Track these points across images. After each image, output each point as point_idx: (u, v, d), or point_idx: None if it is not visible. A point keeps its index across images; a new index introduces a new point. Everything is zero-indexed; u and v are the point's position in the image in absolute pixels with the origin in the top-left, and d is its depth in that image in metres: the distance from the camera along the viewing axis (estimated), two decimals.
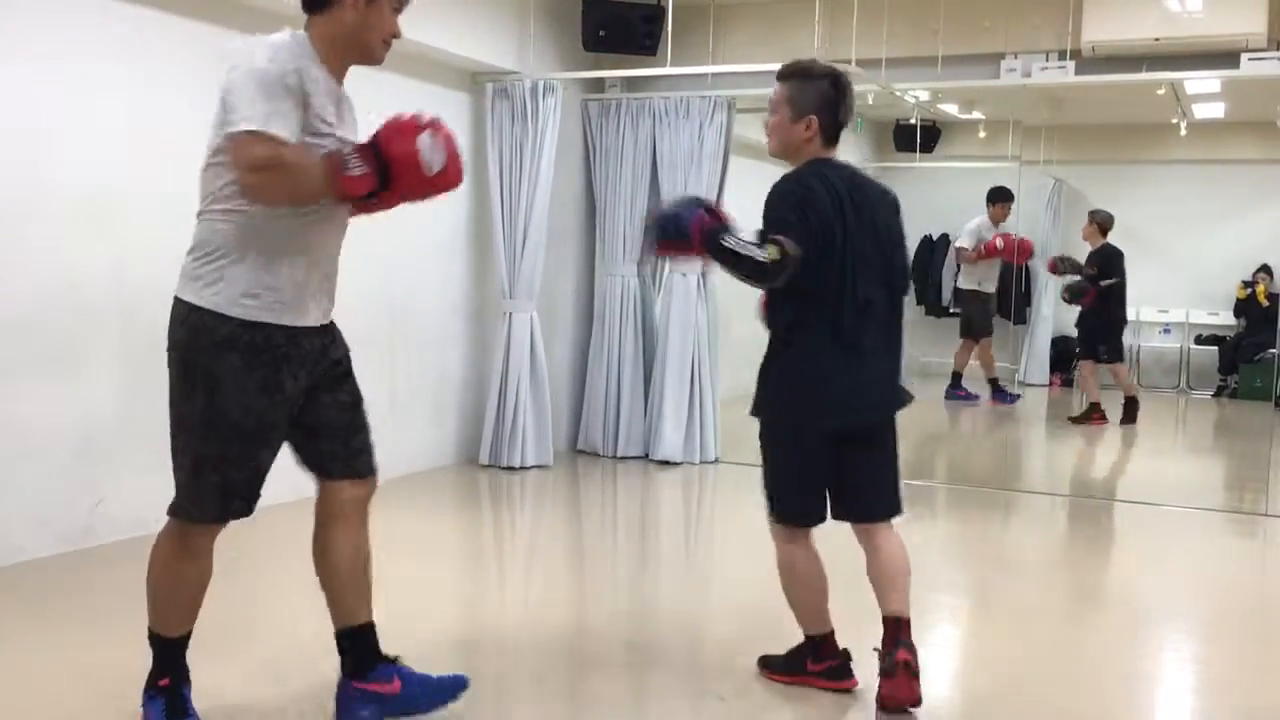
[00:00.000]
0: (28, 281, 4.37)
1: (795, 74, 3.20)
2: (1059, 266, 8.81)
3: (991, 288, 8.81)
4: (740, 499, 6.35)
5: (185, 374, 2.68)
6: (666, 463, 6.88)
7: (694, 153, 6.84)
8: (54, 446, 4.50)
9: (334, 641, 2.94)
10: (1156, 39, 6.11)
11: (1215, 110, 8.35)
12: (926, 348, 10.19)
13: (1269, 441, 7.70)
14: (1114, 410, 8.45)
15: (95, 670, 3.35)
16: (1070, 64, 6.33)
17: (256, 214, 2.58)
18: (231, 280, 2.61)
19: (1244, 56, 5.97)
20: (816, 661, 3.28)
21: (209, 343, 2.62)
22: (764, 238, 3.02)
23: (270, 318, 2.65)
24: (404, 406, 6.25)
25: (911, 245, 10.87)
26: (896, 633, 3.09)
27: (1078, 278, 8.58)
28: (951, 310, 10.05)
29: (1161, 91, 6.86)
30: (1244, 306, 9.23)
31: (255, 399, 2.66)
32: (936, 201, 10.04)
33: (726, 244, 2.96)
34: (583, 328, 7.37)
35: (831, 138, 3.19)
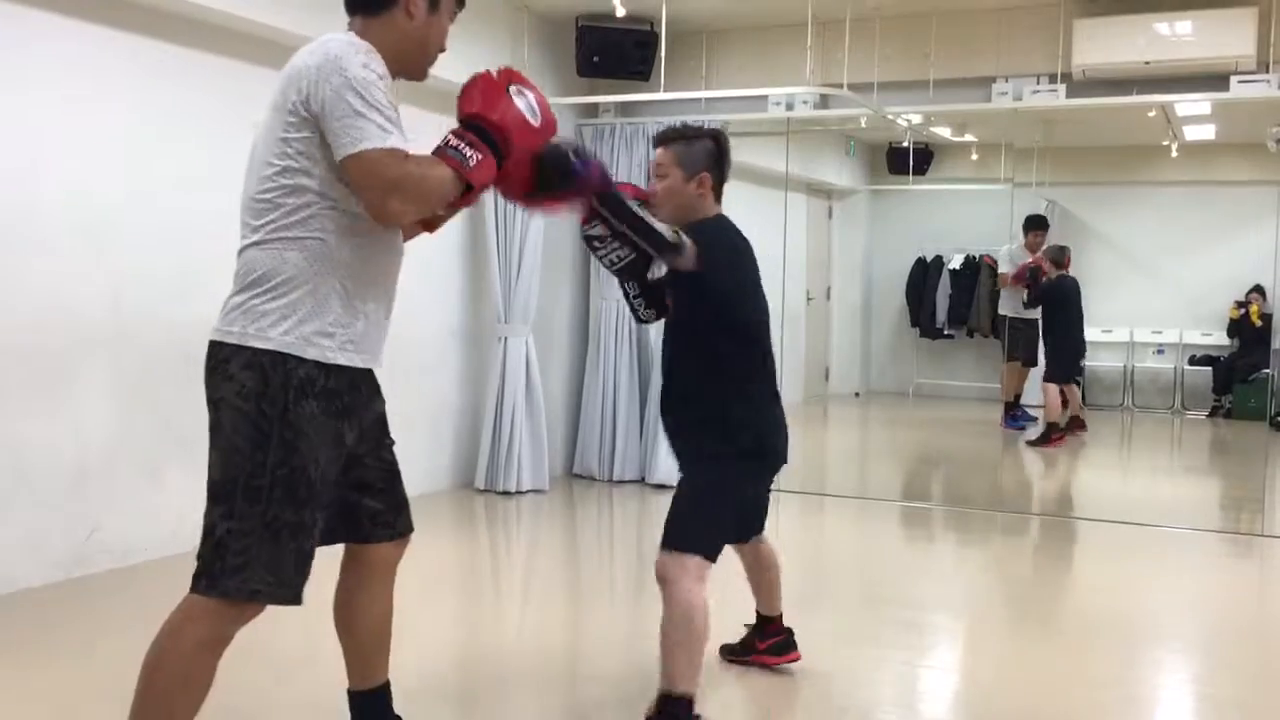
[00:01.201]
0: (22, 307, 4.37)
1: (676, 137, 3.22)
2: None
3: (1036, 314, 8.79)
4: None
5: (257, 426, 2.28)
6: (663, 486, 6.86)
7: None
8: (48, 474, 4.48)
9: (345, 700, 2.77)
10: (1147, 62, 6.15)
11: (1206, 132, 8.40)
12: (922, 369, 10.23)
13: (1264, 461, 7.71)
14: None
15: (88, 700, 3.33)
16: (1061, 87, 6.37)
17: (333, 240, 2.32)
18: (305, 317, 2.32)
19: (1233, 79, 6.02)
20: None
21: (281, 387, 2.28)
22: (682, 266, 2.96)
23: (344, 359, 2.37)
24: (399, 431, 6.20)
25: (905, 267, 11.02)
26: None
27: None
28: (946, 332, 10.08)
29: (1152, 114, 6.91)
30: (1237, 327, 9.27)
31: (330, 453, 2.36)
32: (930, 223, 10.10)
33: (630, 203, 2.82)
34: (578, 352, 7.37)
35: (719, 194, 3.24)
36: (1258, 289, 9.10)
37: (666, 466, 6.88)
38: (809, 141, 8.61)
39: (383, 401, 2.66)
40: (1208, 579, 5.34)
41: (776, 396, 3.26)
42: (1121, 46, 6.21)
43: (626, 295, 3.26)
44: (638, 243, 2.89)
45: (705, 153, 3.20)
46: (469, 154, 2.27)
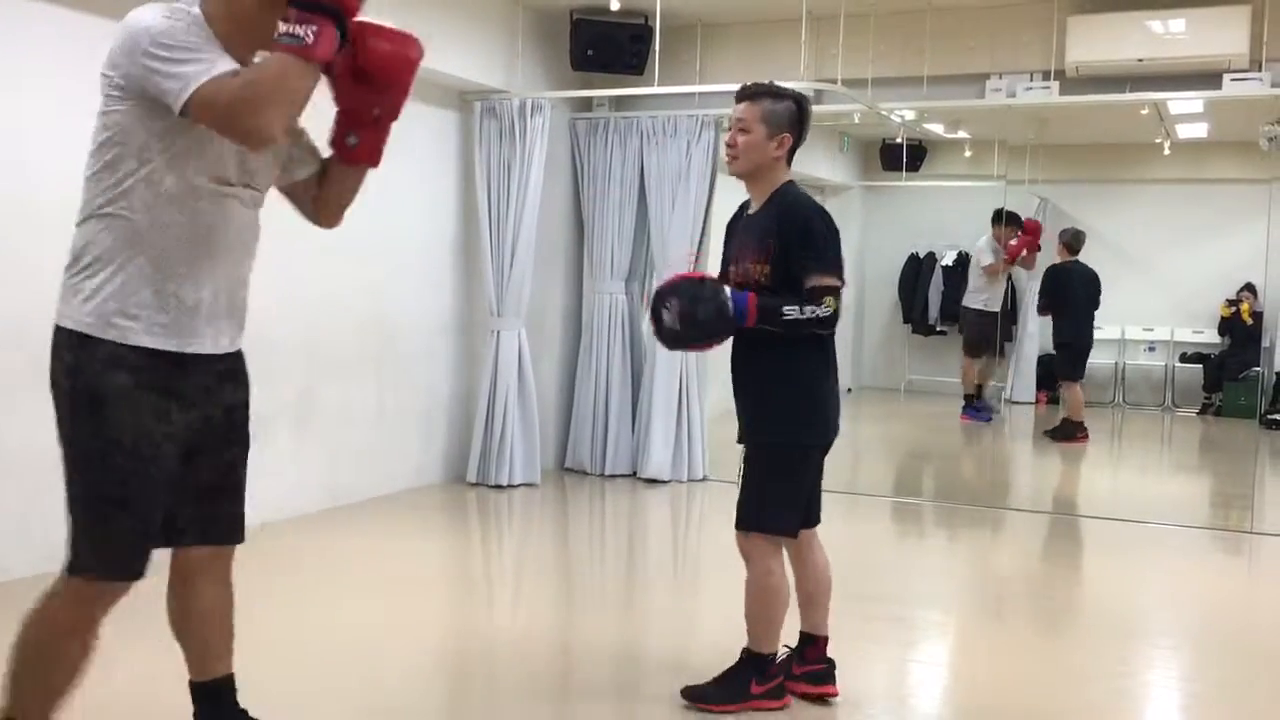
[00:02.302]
0: (10, 298, 4.35)
1: (765, 93, 3.23)
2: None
3: (996, 306, 8.84)
4: (728, 517, 6.34)
5: (70, 402, 2.29)
6: (655, 481, 6.87)
7: (681, 171, 6.86)
8: (35, 464, 4.46)
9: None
10: (1140, 60, 6.16)
11: (1198, 130, 8.42)
12: (914, 365, 10.24)
13: (1253, 459, 7.73)
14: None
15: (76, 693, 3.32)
16: (1055, 84, 6.38)
17: (142, 220, 2.25)
18: (107, 296, 2.26)
19: (1226, 77, 6.03)
20: (762, 681, 3.27)
21: (87, 361, 2.26)
22: (809, 273, 3.09)
23: (150, 342, 2.28)
24: (391, 424, 6.24)
25: (897, 263, 11.01)
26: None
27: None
28: (938, 328, 10.11)
29: (1145, 111, 6.92)
30: (1228, 324, 9.28)
31: (151, 425, 2.28)
32: (922, 220, 10.09)
33: (788, 316, 3.05)
34: (571, 345, 7.37)
35: (790, 158, 3.27)
36: (1249, 287, 9.11)
37: (658, 460, 6.89)
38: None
39: (243, 395, 2.52)
40: (1197, 575, 5.36)
41: (833, 368, 3.28)
42: (1115, 44, 6.22)
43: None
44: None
45: (789, 114, 3.20)
46: (300, 32, 2.08)
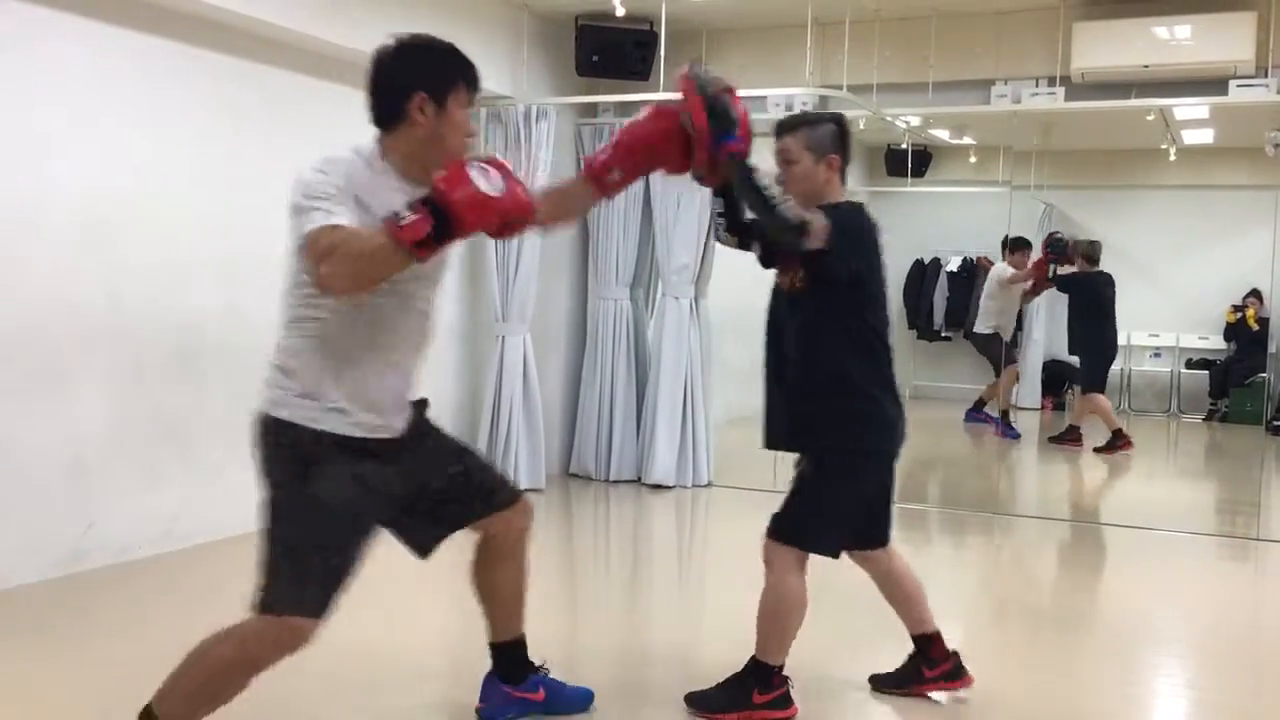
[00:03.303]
0: (20, 302, 4.37)
1: (801, 123, 3.27)
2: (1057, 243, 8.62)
3: (1007, 333, 8.72)
4: (734, 523, 6.35)
5: (281, 480, 2.61)
6: (659, 486, 6.87)
7: (686, 177, 6.85)
8: (44, 470, 4.48)
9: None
10: (1145, 66, 6.16)
11: (1204, 136, 8.41)
12: (919, 371, 10.22)
13: (1259, 465, 7.72)
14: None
15: (85, 695, 3.33)
16: (1060, 90, 6.37)
17: (331, 322, 2.56)
18: (315, 396, 2.58)
19: (1232, 83, 6.03)
20: (765, 691, 3.27)
21: (290, 456, 2.59)
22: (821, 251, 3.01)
23: (356, 433, 2.61)
24: None
25: (903, 269, 10.98)
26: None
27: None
28: (943, 334, 10.09)
29: (1151, 117, 6.92)
30: (1234, 330, 9.27)
31: (351, 490, 2.62)
32: (928, 226, 10.08)
33: (758, 180, 2.89)
34: (575, 351, 7.37)
35: (844, 177, 3.26)
36: (1255, 293, 9.10)
37: (663, 466, 6.88)
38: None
39: (433, 435, 2.91)
40: (1203, 582, 5.34)
41: (893, 379, 3.26)
42: (1120, 50, 6.22)
43: (711, 212, 3.28)
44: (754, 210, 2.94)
45: (830, 135, 3.22)
46: (404, 215, 2.35)
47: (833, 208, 3.10)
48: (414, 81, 2.63)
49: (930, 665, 3.47)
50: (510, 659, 3.22)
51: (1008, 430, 8.81)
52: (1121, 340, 9.23)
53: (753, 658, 3.30)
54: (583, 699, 3.33)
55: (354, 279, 2.42)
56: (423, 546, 3.01)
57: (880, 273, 3.22)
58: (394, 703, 3.43)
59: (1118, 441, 8.32)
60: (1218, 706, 3.65)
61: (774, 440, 3.35)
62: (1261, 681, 3.86)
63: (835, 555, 3.31)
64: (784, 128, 3.26)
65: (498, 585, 3.18)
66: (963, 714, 3.53)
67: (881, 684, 3.57)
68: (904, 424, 3.26)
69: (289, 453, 2.58)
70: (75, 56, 4.53)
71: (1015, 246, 8.63)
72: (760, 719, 3.26)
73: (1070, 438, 8.58)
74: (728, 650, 3.95)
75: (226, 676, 2.56)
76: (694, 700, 3.32)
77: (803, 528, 3.23)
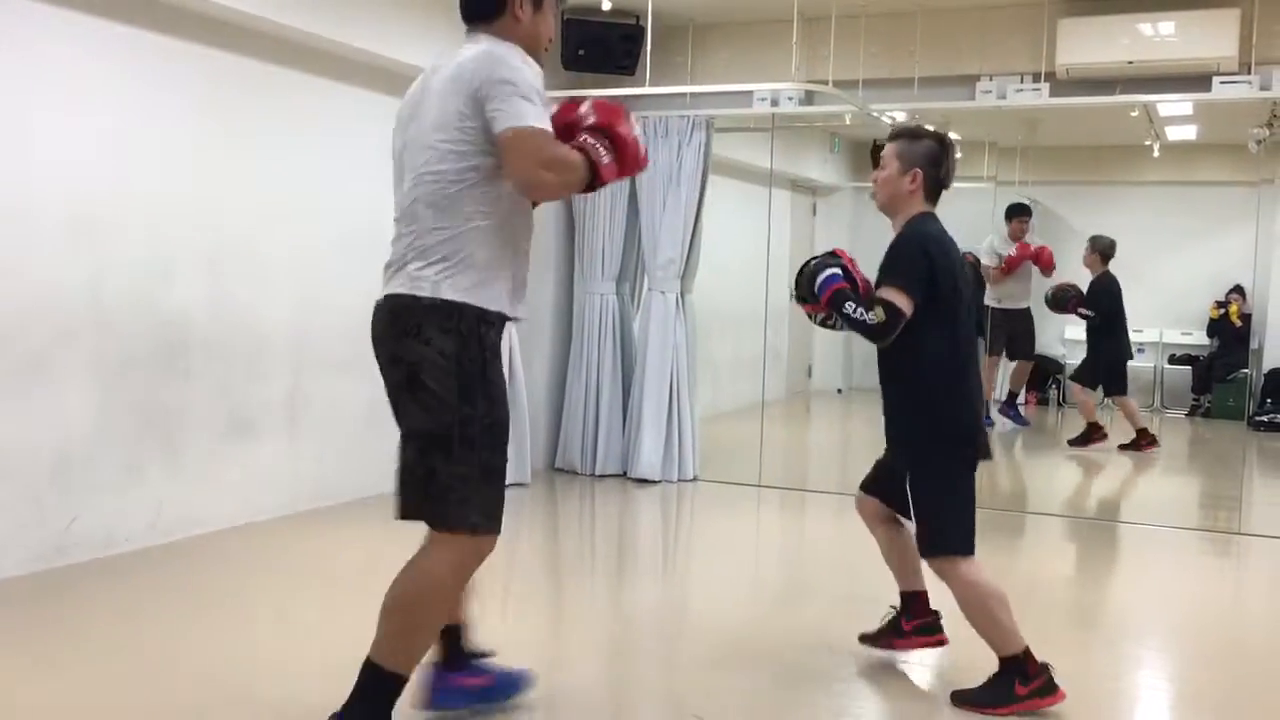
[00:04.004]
0: (3, 296, 4.34)
1: (903, 134, 3.52)
2: (1060, 298, 8.54)
3: (1023, 303, 8.65)
4: (718, 517, 6.36)
5: (461, 383, 2.65)
6: (645, 481, 6.88)
7: (673, 172, 6.87)
8: (27, 464, 4.46)
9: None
10: (1130, 62, 6.19)
11: (1188, 132, 8.45)
12: None
13: (1242, 460, 7.76)
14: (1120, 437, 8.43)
15: (67, 689, 3.32)
16: (1045, 86, 6.40)
17: (503, 209, 2.65)
18: (489, 279, 2.66)
19: (1215, 80, 6.06)
20: (1025, 682, 3.34)
21: (478, 348, 2.65)
22: (880, 283, 3.38)
23: (516, 311, 2.76)
24: (382, 424, 6.20)
25: None
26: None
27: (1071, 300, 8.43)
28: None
29: (1135, 114, 6.95)
30: (1217, 326, 9.32)
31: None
32: None
33: (845, 310, 3.35)
34: (561, 345, 7.37)
35: (933, 193, 3.48)
36: (1237, 289, 9.15)
37: (649, 460, 6.89)
38: (793, 138, 8.61)
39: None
40: (1185, 576, 5.38)
41: (973, 377, 3.51)
42: (1104, 46, 6.24)
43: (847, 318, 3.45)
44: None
45: (924, 152, 3.44)
46: (604, 154, 2.60)
47: (905, 227, 3.45)
48: None
49: (909, 619, 3.71)
50: (452, 645, 3.11)
51: (1016, 418, 8.77)
52: None
53: (1001, 659, 3.38)
54: (523, 680, 3.24)
55: (558, 191, 2.70)
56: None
57: (955, 277, 3.40)
58: None
59: (1141, 440, 8.30)
60: (1199, 699, 3.67)
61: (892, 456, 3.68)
62: (1242, 674, 3.88)
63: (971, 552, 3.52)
64: (890, 135, 3.54)
65: None
66: (943, 706, 3.55)
67: (866, 640, 3.78)
68: (976, 423, 3.56)
69: (472, 356, 2.63)
70: (61, 50, 4.51)
71: (1010, 214, 8.58)
72: (1030, 709, 3.32)
73: (1096, 437, 8.40)
74: (712, 643, 3.97)
75: (438, 606, 2.70)
76: (960, 698, 3.40)
77: (945, 537, 3.51)
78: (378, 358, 2.77)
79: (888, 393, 3.56)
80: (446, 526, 2.67)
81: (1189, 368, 9.56)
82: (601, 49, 6.79)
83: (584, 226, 7.16)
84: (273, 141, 5.43)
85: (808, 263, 3.52)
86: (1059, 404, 9.62)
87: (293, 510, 5.60)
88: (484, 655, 3.16)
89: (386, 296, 2.72)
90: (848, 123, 7.90)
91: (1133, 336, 8.87)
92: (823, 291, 3.40)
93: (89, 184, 4.64)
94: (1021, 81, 6.49)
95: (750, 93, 6.86)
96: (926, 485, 3.43)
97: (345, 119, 5.71)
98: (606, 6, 6.44)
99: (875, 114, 7.00)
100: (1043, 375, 9.45)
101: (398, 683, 2.69)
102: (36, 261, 4.46)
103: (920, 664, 3.87)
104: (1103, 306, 8.29)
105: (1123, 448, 8.37)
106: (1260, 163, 7.70)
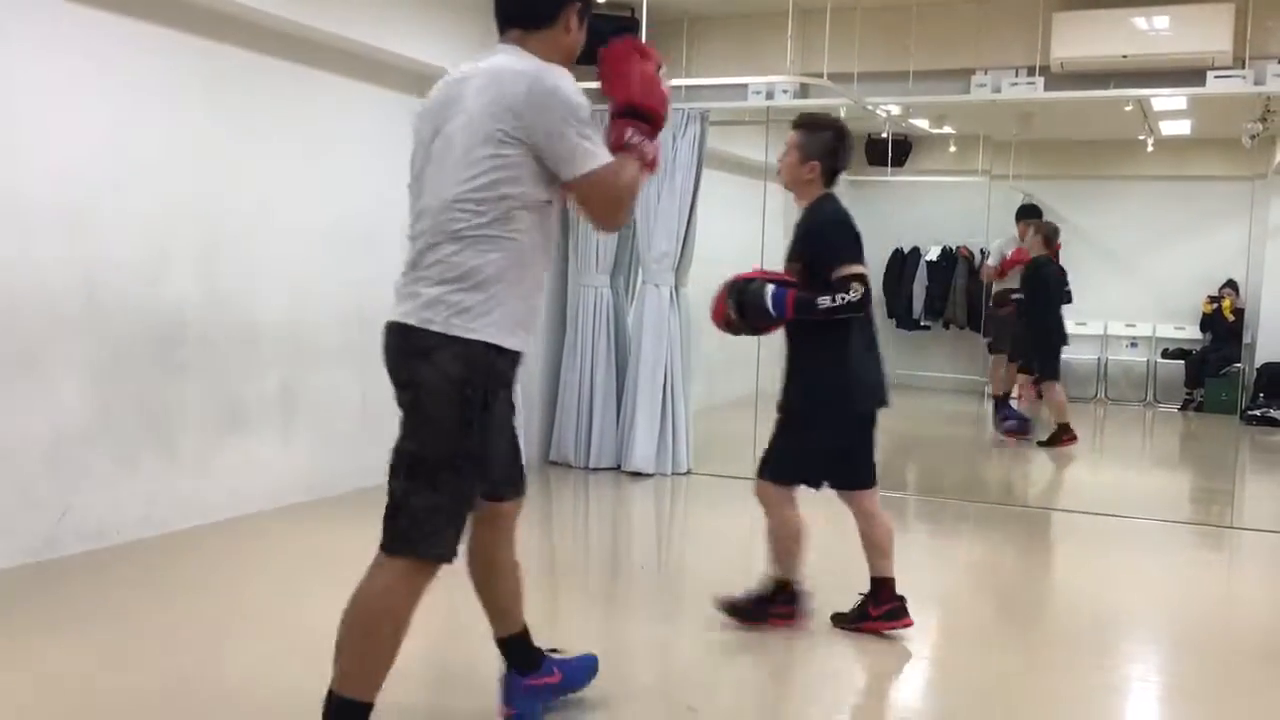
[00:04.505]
0: None
1: (804, 124, 3.84)
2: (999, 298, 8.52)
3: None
4: (713, 510, 6.36)
5: (462, 412, 2.53)
6: (639, 474, 6.88)
7: (667, 165, 6.85)
8: (19, 455, 4.45)
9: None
10: (1124, 56, 6.19)
11: (1182, 127, 8.46)
12: (899, 361, 10.27)
13: (1234, 454, 7.78)
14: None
15: (57, 682, 3.31)
16: (1039, 80, 6.40)
17: (525, 241, 2.54)
18: (506, 310, 2.54)
19: (1210, 74, 6.06)
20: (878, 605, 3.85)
21: (484, 378, 2.54)
22: (831, 266, 3.63)
23: (525, 346, 2.64)
24: (376, 417, 6.20)
25: (882, 258, 11.01)
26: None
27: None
28: (923, 323, 10.10)
29: (1129, 108, 6.95)
30: (1210, 321, 9.35)
31: (503, 434, 2.70)
32: (907, 215, 10.13)
33: (822, 306, 3.59)
34: (555, 339, 7.36)
35: (830, 179, 3.81)
36: (1230, 284, 9.18)
37: (643, 453, 6.89)
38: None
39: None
40: (1177, 570, 5.39)
41: (876, 346, 3.83)
42: (1100, 40, 6.25)
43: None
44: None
45: (822, 144, 3.78)
46: (647, 148, 2.55)
47: (810, 207, 3.83)
48: None
49: (877, 605, 3.87)
50: (521, 649, 3.12)
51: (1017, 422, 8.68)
52: (1098, 330, 9.30)
53: (775, 580, 3.86)
54: (592, 665, 3.27)
55: (622, 220, 2.63)
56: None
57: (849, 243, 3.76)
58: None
59: (1063, 436, 8.12)
60: (1189, 692, 3.68)
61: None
62: (1233, 668, 3.89)
63: (813, 484, 3.87)
64: (794, 123, 3.86)
65: (503, 575, 3.05)
66: (935, 697, 3.55)
67: (838, 622, 3.93)
68: (883, 386, 3.89)
69: (477, 384, 2.53)
70: (51, 42, 4.48)
71: (1019, 216, 8.47)
72: (876, 629, 3.82)
73: (1066, 439, 8.18)
74: (706, 635, 3.97)
75: (398, 629, 2.59)
76: (838, 619, 3.88)
77: (793, 464, 3.89)
78: (390, 380, 2.72)
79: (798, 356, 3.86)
80: (415, 555, 2.59)
81: (1182, 362, 9.59)
82: (596, 42, 6.75)
83: (577, 219, 7.14)
84: (267, 135, 5.41)
85: (738, 303, 3.75)
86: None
87: (286, 502, 5.59)
88: (553, 651, 3.20)
89: (398, 322, 2.64)
90: (842, 116, 7.88)
91: (1126, 331, 8.90)
92: (782, 308, 3.64)
93: (83, 175, 4.62)
94: (1016, 75, 6.50)
95: (745, 86, 6.85)
96: (801, 424, 3.79)
97: (340, 113, 5.69)
98: None
99: (870, 107, 7.01)
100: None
101: (365, 711, 2.59)
102: (31, 253, 4.45)
103: (918, 656, 3.88)
104: (1030, 286, 8.12)
105: (1041, 444, 8.21)
106: (1254, 157, 7.73)
